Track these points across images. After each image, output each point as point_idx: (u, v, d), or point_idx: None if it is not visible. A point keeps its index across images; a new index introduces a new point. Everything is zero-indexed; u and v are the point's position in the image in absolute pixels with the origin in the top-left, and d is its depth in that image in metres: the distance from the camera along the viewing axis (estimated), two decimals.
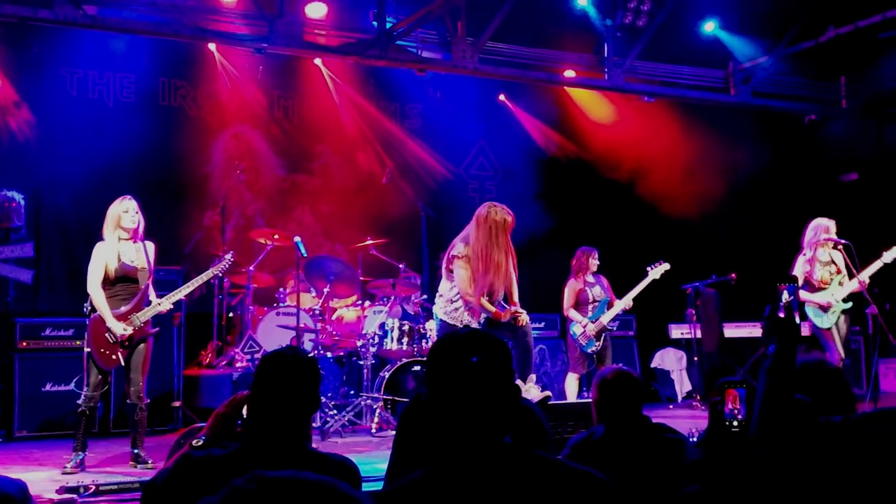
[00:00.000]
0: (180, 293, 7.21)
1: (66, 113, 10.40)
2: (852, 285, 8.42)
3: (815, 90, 12.47)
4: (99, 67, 10.73)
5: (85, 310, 6.96)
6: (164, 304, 7.03)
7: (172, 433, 8.59)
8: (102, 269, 6.84)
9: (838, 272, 8.47)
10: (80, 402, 6.83)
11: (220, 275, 7.60)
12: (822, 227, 8.53)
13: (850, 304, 8.45)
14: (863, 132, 12.34)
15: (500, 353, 2.32)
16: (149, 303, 7.01)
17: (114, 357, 6.81)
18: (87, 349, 6.85)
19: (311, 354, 7.29)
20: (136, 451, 6.89)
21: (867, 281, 8.41)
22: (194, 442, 3.02)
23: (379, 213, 11.50)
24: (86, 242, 10.17)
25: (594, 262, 9.21)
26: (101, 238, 6.94)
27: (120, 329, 6.78)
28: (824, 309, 8.40)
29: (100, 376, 6.83)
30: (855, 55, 11.86)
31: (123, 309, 6.87)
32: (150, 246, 7.09)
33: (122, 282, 6.90)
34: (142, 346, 6.94)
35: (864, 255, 8.49)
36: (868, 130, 12.42)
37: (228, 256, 7.46)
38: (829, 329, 8.41)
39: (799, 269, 8.50)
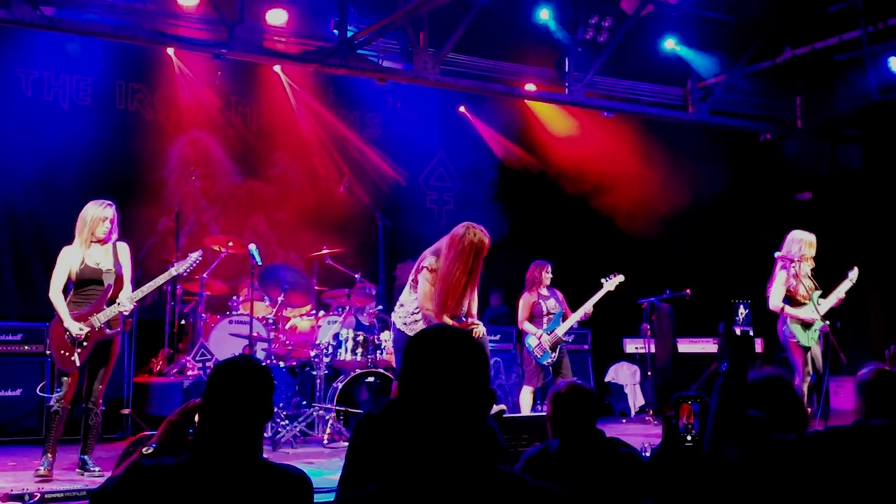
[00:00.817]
0: (142, 292, 7.01)
1: (20, 114, 10.27)
2: (830, 302, 8.32)
3: (772, 110, 12.63)
4: (55, 69, 10.59)
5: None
6: (125, 304, 6.84)
7: (121, 441, 8.45)
8: (65, 276, 6.74)
9: (816, 288, 8.37)
10: (51, 402, 6.70)
11: (186, 273, 7.38)
12: (805, 241, 8.31)
13: (827, 322, 8.23)
14: (817, 152, 12.53)
15: (482, 354, 2.28)
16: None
17: (72, 358, 6.65)
18: (47, 351, 6.82)
19: (265, 364, 7.16)
20: (84, 457, 6.75)
21: (843, 297, 8.42)
22: (145, 450, 2.97)
23: (336, 222, 11.45)
24: (37, 246, 10.07)
25: (547, 276, 9.23)
26: (69, 241, 6.83)
27: (76, 328, 6.64)
28: (807, 326, 8.18)
29: (67, 378, 6.66)
30: (811, 76, 12.04)
31: (84, 310, 6.74)
32: (123, 247, 6.97)
33: (86, 284, 6.78)
34: (105, 349, 6.79)
35: (816, 274, 8.54)
36: (822, 150, 12.62)
37: (196, 255, 7.25)
38: (810, 348, 8.18)
39: (781, 283, 8.24)
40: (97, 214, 6.80)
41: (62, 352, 6.66)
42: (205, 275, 10.00)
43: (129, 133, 10.96)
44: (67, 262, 6.75)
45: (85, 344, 6.69)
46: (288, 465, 2.77)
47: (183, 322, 10.21)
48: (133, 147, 10.94)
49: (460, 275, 6.73)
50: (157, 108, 11.20)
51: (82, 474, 6.65)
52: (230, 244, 10.11)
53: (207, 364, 9.37)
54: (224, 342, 9.62)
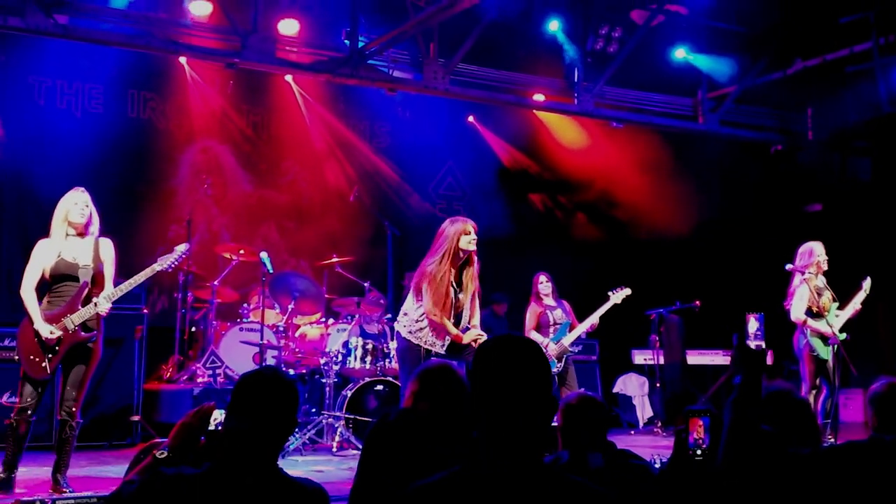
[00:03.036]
0: (121, 290, 6.36)
1: (33, 122, 10.32)
2: (847, 313, 8.28)
3: (782, 121, 12.62)
4: (68, 77, 10.64)
5: None
6: (102, 305, 6.22)
7: (131, 447, 8.47)
8: (38, 271, 6.16)
9: (833, 299, 8.35)
10: (12, 413, 6.14)
11: (171, 269, 6.62)
12: (817, 251, 8.33)
13: (845, 335, 8.18)
14: (828, 163, 12.51)
15: (544, 361, 2.36)
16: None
17: (42, 365, 6.07)
18: (16, 356, 6.18)
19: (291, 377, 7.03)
20: (57, 475, 6.18)
21: (860, 308, 8.41)
22: (158, 453, 2.96)
23: (345, 231, 11.50)
24: None
25: (544, 286, 9.26)
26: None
27: (46, 331, 6.04)
28: (827, 339, 8.14)
29: (31, 386, 6.10)
30: (822, 87, 12.03)
31: (57, 311, 6.15)
32: (106, 242, 6.42)
33: (61, 281, 6.20)
34: (81, 353, 6.21)
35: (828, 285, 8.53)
36: (833, 162, 12.60)
37: (182, 247, 6.64)
38: (827, 360, 8.14)
39: (804, 296, 8.19)
40: (68, 199, 6.29)
41: (31, 357, 6.08)
42: (216, 282, 10.04)
43: (140, 141, 11.02)
44: (41, 256, 6.20)
45: (57, 349, 6.10)
46: (305, 479, 2.77)
47: (193, 329, 10.24)
48: (145, 155, 11.01)
49: (447, 266, 6.75)
50: (168, 116, 11.27)
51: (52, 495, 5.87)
52: (241, 252, 10.16)
53: (217, 371, 9.41)
54: (234, 349, 9.66)
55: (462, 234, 6.80)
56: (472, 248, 6.86)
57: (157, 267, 6.46)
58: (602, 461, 2.11)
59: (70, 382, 6.21)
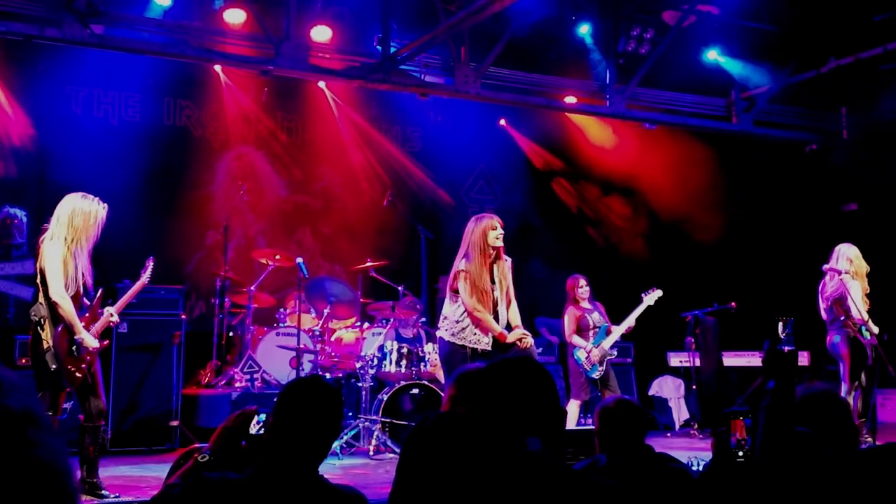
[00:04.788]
0: (122, 304, 6.57)
1: (71, 131, 10.42)
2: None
3: (817, 120, 12.53)
4: (104, 86, 10.77)
5: (33, 317, 6.05)
6: (116, 316, 6.42)
7: (170, 452, 8.57)
8: (65, 271, 5.98)
9: (868, 306, 8.42)
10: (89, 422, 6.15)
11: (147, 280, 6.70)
12: (855, 252, 8.45)
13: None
14: (863, 162, 12.39)
15: (549, 380, 2.48)
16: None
17: (78, 374, 6.06)
18: (53, 366, 5.94)
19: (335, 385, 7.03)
20: (95, 479, 6.17)
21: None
22: (200, 457, 2.99)
23: (379, 236, 11.55)
24: None
25: (583, 290, 9.24)
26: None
27: (93, 342, 6.08)
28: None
29: (63, 395, 6.12)
30: (856, 86, 11.93)
31: (80, 319, 6.13)
32: None
33: (77, 289, 6.12)
34: (96, 360, 6.24)
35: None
36: (868, 161, 12.48)
37: (149, 262, 6.71)
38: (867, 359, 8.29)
39: (858, 294, 8.30)
40: (94, 211, 6.14)
41: (69, 367, 6.02)
42: (252, 287, 10.13)
43: (177, 149, 11.13)
44: (61, 259, 6.00)
45: (88, 358, 6.12)
46: (346, 486, 2.81)
47: (231, 334, 10.33)
48: (181, 162, 11.12)
49: (479, 263, 6.78)
50: (204, 124, 11.38)
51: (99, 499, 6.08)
52: (277, 257, 10.26)
53: (255, 376, 9.49)
54: (271, 354, 9.75)
55: (489, 230, 6.83)
56: (500, 243, 6.89)
57: (144, 280, 6.64)
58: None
59: (97, 387, 6.20)
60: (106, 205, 6.28)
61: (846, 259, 8.42)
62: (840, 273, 8.30)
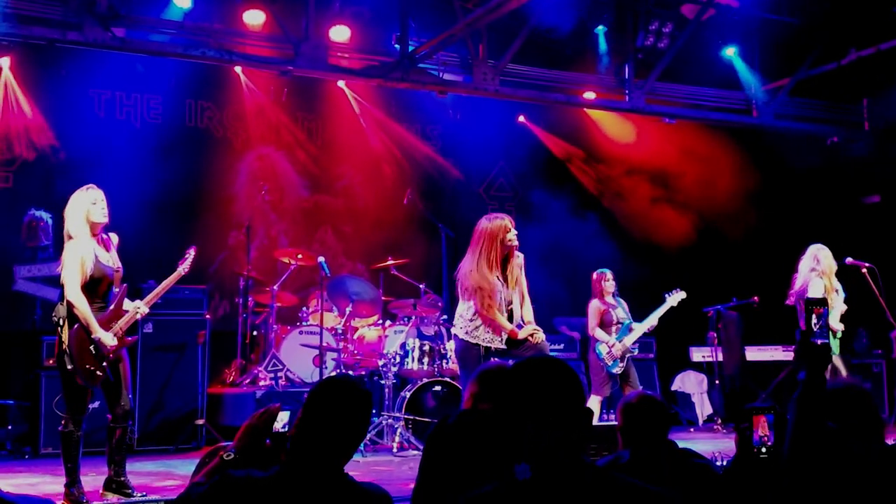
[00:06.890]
0: (156, 296, 6.42)
1: (94, 133, 10.51)
2: (840, 308, 8.40)
3: (838, 112, 12.44)
4: (126, 89, 10.86)
5: (54, 318, 6.05)
6: (143, 309, 6.25)
7: (196, 451, 8.65)
8: (81, 274, 5.91)
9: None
10: (70, 426, 6.00)
11: (186, 272, 6.53)
12: (825, 253, 8.51)
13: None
14: (885, 154, 12.31)
15: (576, 380, 2.50)
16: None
17: (98, 373, 5.97)
18: (69, 366, 5.88)
19: (366, 385, 6.99)
20: (123, 478, 6.15)
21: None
22: (225, 455, 3.00)
23: (400, 234, 11.59)
24: None
25: (608, 284, 9.24)
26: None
27: (111, 340, 5.97)
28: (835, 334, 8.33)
29: (84, 395, 6.05)
30: (877, 77, 11.85)
31: (103, 316, 6.05)
32: (115, 238, 6.30)
33: (100, 284, 6.04)
34: (123, 357, 6.17)
35: (886, 278, 8.45)
36: (890, 152, 12.40)
37: (191, 252, 6.58)
38: (836, 355, 8.35)
39: (818, 292, 8.34)
40: (85, 197, 6.07)
41: (88, 367, 5.93)
42: (275, 287, 10.19)
43: (199, 150, 11.21)
44: (79, 257, 5.91)
45: (110, 356, 6.03)
46: (370, 484, 2.82)
47: (255, 333, 10.39)
48: (203, 164, 11.19)
49: (492, 263, 6.79)
50: (225, 125, 11.46)
51: (129, 497, 6.06)
52: (299, 256, 10.32)
53: (279, 374, 9.55)
54: (295, 352, 9.81)
55: (502, 230, 6.84)
56: (515, 243, 6.90)
57: (181, 271, 6.46)
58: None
59: (121, 386, 6.12)
60: (92, 186, 6.21)
61: (813, 258, 8.51)
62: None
